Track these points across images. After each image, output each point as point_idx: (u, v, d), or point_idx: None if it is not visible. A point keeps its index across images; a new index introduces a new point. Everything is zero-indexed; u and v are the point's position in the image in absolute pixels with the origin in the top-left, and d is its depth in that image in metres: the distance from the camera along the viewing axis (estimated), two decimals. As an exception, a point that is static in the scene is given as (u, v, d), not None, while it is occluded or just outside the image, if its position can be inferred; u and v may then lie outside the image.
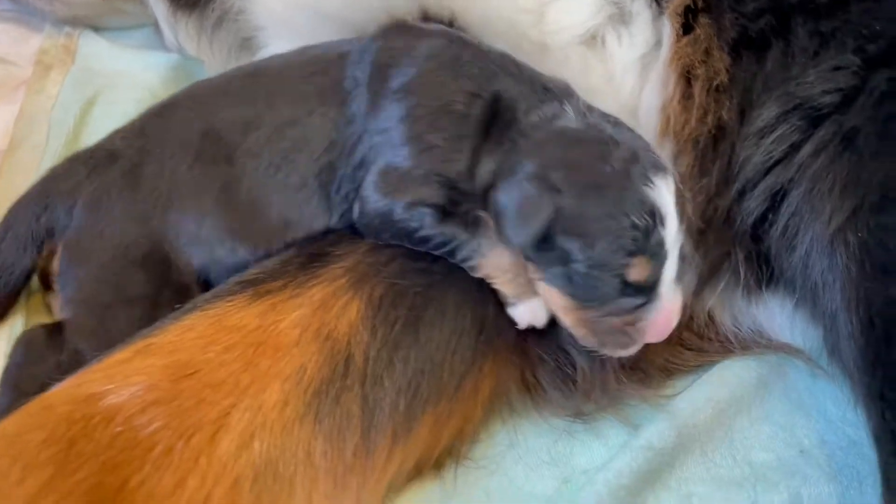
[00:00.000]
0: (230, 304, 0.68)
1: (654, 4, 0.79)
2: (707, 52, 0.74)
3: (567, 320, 0.72)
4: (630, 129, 0.72)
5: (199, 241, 0.75)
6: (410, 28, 0.79)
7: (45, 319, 0.80)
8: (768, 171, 0.77)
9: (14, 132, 1.03)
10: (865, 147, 0.73)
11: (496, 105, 0.72)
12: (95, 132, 0.99)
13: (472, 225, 0.71)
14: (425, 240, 0.71)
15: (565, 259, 0.67)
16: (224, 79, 0.83)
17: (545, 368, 0.80)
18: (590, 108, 0.73)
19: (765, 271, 0.81)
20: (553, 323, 0.78)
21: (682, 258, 0.71)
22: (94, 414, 0.58)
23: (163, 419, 0.59)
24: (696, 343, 0.85)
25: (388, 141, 0.72)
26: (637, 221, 0.66)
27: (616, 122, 0.73)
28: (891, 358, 0.66)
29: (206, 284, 0.75)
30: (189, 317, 0.68)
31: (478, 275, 0.72)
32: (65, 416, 0.57)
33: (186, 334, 0.66)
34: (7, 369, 0.74)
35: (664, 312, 0.70)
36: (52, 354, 0.73)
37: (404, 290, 0.71)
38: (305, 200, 0.74)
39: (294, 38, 0.85)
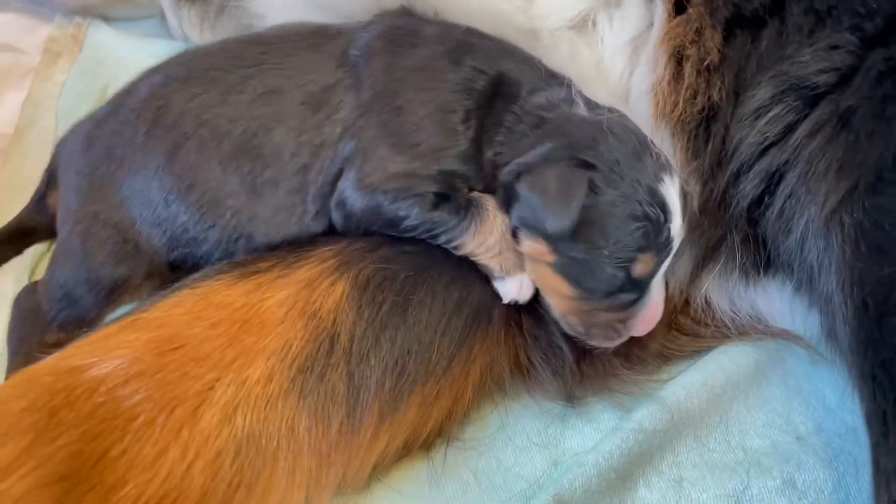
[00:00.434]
0: (218, 282, 0.69)
1: (647, -16, 0.79)
2: (699, 31, 0.73)
3: (561, 307, 0.72)
4: (635, 124, 0.72)
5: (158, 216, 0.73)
6: (412, 12, 0.78)
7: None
8: (763, 152, 0.76)
9: (21, 118, 1.05)
10: (862, 127, 0.72)
11: (500, 82, 0.72)
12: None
13: (465, 207, 0.71)
14: (413, 228, 0.71)
15: (584, 247, 0.67)
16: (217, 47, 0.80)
17: (538, 352, 0.79)
18: (594, 101, 0.74)
19: (762, 255, 0.80)
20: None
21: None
22: (76, 385, 0.58)
23: (146, 391, 0.59)
24: (692, 328, 0.84)
25: (379, 132, 0.70)
26: (650, 213, 0.67)
27: (621, 115, 0.73)
28: (882, 338, 0.65)
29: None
30: (177, 294, 0.68)
31: (462, 253, 0.72)
32: (47, 386, 0.58)
33: (173, 310, 0.66)
34: (10, 324, 0.77)
35: (652, 308, 0.72)
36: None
37: (393, 274, 0.71)
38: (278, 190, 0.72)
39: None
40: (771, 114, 0.75)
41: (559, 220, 0.66)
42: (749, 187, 0.77)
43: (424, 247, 0.72)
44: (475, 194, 0.72)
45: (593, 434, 0.77)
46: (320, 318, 0.67)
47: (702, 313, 0.84)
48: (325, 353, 0.66)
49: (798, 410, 0.80)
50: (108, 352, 0.61)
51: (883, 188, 0.70)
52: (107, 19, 1.24)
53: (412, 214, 0.70)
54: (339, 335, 0.67)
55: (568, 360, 0.79)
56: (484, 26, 0.76)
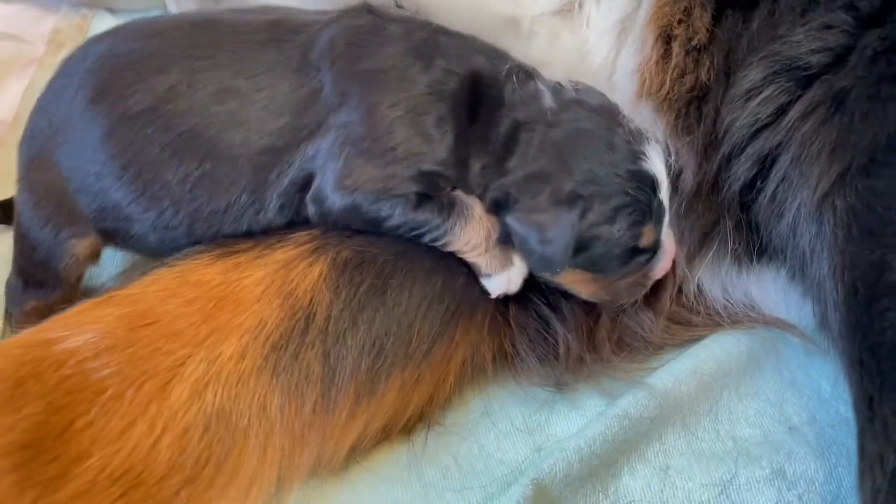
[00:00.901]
0: (196, 260, 0.69)
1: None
2: (687, 11, 0.72)
3: (585, 290, 0.75)
4: (601, 93, 0.72)
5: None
6: (374, 8, 0.73)
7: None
8: (755, 134, 0.74)
9: (21, 105, 1.06)
10: (856, 108, 0.71)
11: (474, 84, 0.70)
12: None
13: (448, 207, 0.69)
14: (396, 227, 0.69)
15: (585, 255, 0.70)
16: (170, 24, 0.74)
17: (524, 338, 0.78)
18: (559, 85, 0.72)
19: (755, 241, 0.79)
20: (532, 291, 0.77)
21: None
22: (45, 357, 0.58)
23: (116, 365, 0.59)
24: (684, 316, 0.83)
25: (351, 135, 0.67)
26: (641, 197, 0.69)
27: (587, 88, 0.72)
28: (871, 322, 0.63)
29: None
30: (155, 272, 0.68)
31: (449, 250, 0.71)
32: (16, 358, 0.58)
33: (149, 287, 0.66)
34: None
35: (667, 255, 0.75)
36: None
37: (372, 257, 0.71)
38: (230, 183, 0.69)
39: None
40: (763, 95, 0.73)
41: (552, 266, 0.70)
42: (741, 170, 0.76)
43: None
44: (459, 193, 0.71)
45: (579, 420, 0.75)
46: (296, 297, 0.66)
47: (694, 301, 0.83)
48: (301, 332, 0.65)
49: (791, 400, 0.78)
50: (80, 326, 0.61)
51: (876, 170, 0.68)
52: (112, 11, 1.25)
53: (395, 214, 0.68)
54: (315, 314, 0.66)
55: (555, 347, 0.78)
56: (464, 15, 0.75)
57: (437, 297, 0.72)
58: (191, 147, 0.67)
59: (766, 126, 0.74)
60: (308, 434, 0.65)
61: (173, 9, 1.12)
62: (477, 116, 0.70)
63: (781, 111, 0.73)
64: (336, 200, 0.67)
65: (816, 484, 0.71)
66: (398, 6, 0.79)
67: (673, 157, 0.74)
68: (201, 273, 0.67)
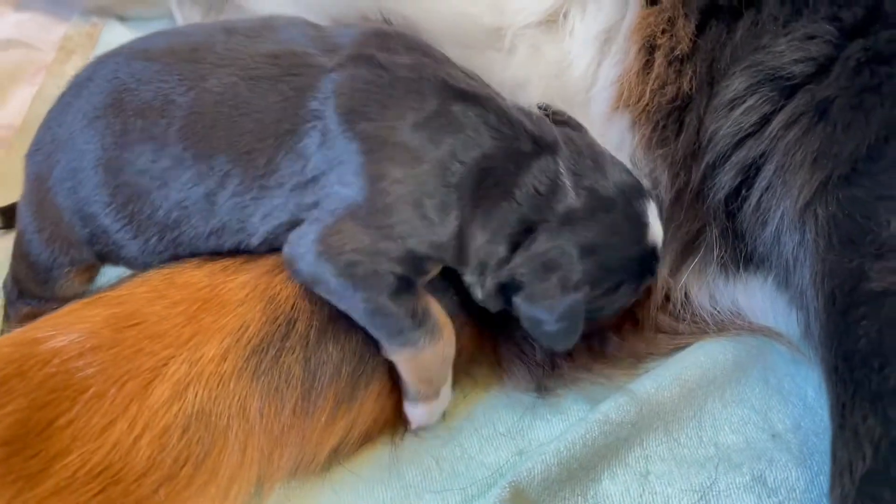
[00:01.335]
0: (186, 263, 0.70)
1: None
2: (671, 21, 0.73)
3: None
4: (622, 168, 0.71)
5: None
6: (380, 59, 0.68)
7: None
8: (739, 143, 0.75)
9: (29, 111, 1.09)
10: (839, 118, 0.71)
11: (487, 171, 0.65)
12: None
13: (422, 316, 0.66)
14: (355, 309, 0.65)
15: (588, 311, 0.70)
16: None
17: (509, 344, 0.79)
18: (576, 160, 0.68)
19: (741, 249, 0.79)
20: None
21: None
22: (31, 355, 0.60)
23: (99, 365, 0.61)
24: (669, 325, 0.83)
25: (349, 199, 0.64)
26: (643, 267, 0.72)
27: (601, 160, 0.70)
28: (847, 330, 0.63)
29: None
30: (146, 274, 0.70)
31: (393, 358, 0.68)
32: (3, 356, 0.59)
33: (137, 288, 0.67)
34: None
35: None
36: None
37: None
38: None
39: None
40: (746, 104, 0.74)
41: (563, 344, 0.71)
42: (725, 179, 0.76)
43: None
44: (434, 309, 0.68)
45: (562, 426, 0.76)
46: (279, 301, 0.67)
47: (681, 308, 0.83)
48: (282, 337, 0.66)
49: (777, 408, 0.78)
50: (67, 326, 0.63)
51: (857, 180, 0.69)
52: (122, 19, 1.28)
53: (364, 295, 0.64)
54: (296, 320, 0.67)
55: (539, 353, 0.78)
56: (449, 26, 0.75)
57: None
58: (180, 177, 0.66)
59: (750, 135, 0.75)
60: (288, 436, 0.66)
61: (178, 18, 1.15)
62: (483, 202, 0.65)
63: (765, 120, 0.74)
64: (311, 256, 0.64)
65: (797, 491, 0.71)
66: (386, 21, 0.80)
67: (647, 169, 0.74)
68: (189, 275, 0.68)
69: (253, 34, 0.70)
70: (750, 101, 0.73)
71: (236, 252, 0.69)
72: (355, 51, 0.68)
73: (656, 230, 0.71)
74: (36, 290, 0.75)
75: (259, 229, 0.67)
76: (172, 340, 0.64)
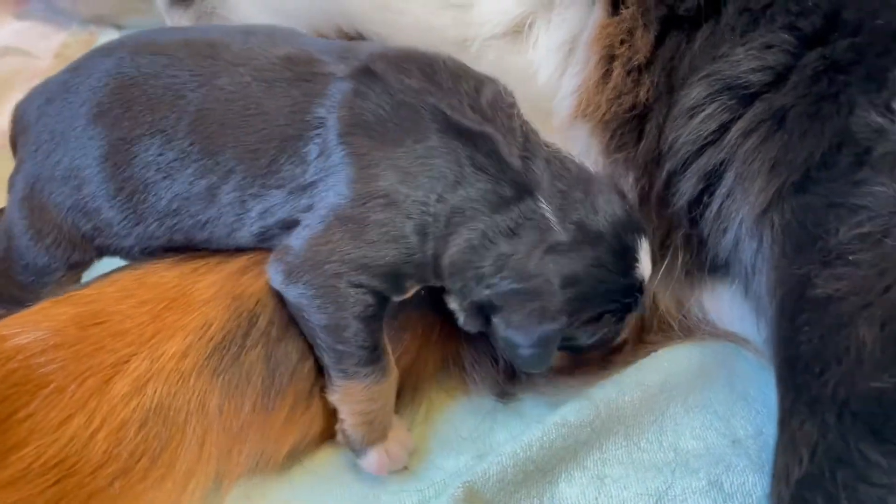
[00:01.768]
0: (158, 264, 0.72)
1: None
2: (630, 31, 0.74)
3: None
4: (617, 200, 0.71)
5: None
6: (383, 78, 0.68)
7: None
8: (700, 151, 0.76)
9: (23, 117, 1.11)
10: (795, 126, 0.72)
11: (460, 210, 0.66)
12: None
13: (379, 354, 0.68)
14: (316, 322, 0.67)
15: (568, 339, 0.72)
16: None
17: (470, 350, 0.80)
18: (564, 196, 0.69)
19: (705, 255, 0.80)
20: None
21: None
22: (-5, 351, 0.62)
23: (61, 362, 0.63)
24: (638, 333, 0.84)
25: (339, 208, 0.66)
26: (628, 300, 0.72)
27: (593, 194, 0.70)
28: (792, 337, 0.64)
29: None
30: (117, 273, 0.72)
31: (332, 395, 0.69)
32: (-32, 352, 0.61)
33: (107, 288, 0.69)
34: None
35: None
36: None
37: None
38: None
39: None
40: (705, 112, 0.75)
41: (537, 367, 0.73)
42: (687, 186, 0.77)
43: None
44: (388, 350, 0.70)
45: (521, 429, 0.77)
46: (243, 300, 0.69)
47: (650, 315, 0.84)
48: (244, 333, 0.68)
49: (740, 414, 0.78)
50: (34, 323, 0.65)
51: (809, 187, 0.69)
52: (119, 28, 1.31)
53: (333, 311, 0.66)
54: (258, 317, 0.69)
55: (501, 361, 0.79)
56: (415, 38, 0.77)
57: None
58: (185, 170, 0.68)
59: (709, 143, 0.75)
60: (247, 433, 0.68)
61: (168, 22, 1.17)
62: (455, 238, 0.67)
63: (724, 129, 0.74)
64: (294, 261, 0.66)
65: (754, 497, 0.71)
66: (360, 36, 0.81)
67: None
68: (160, 276, 0.70)
69: (272, 36, 0.72)
70: (709, 110, 0.74)
71: (227, 243, 0.71)
72: (366, 64, 0.69)
73: (645, 265, 0.71)
74: (17, 295, 0.75)
75: (255, 224, 0.69)
76: (135, 338, 0.66)
